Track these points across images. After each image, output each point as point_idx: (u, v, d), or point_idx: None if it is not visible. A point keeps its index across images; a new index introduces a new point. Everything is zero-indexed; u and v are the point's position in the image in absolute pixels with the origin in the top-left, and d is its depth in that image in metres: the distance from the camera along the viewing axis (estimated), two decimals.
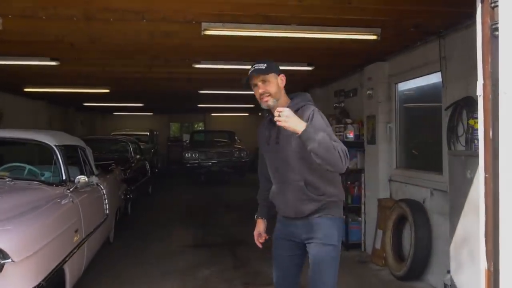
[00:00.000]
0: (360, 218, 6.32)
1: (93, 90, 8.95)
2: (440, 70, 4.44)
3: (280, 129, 2.55)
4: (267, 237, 2.99)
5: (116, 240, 6.80)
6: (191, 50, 5.45)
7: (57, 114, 13.36)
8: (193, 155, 14.24)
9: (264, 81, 2.60)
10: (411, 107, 5.53)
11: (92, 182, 5.34)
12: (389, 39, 4.64)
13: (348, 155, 2.38)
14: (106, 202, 5.75)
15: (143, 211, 9.74)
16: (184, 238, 7.20)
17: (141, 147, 15.19)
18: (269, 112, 2.72)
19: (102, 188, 5.73)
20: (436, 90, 4.70)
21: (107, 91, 8.97)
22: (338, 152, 2.30)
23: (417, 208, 4.82)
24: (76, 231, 4.01)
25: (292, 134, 2.41)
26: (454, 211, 3.67)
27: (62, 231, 3.61)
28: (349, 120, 6.30)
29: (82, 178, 4.43)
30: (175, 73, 7.17)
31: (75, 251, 3.89)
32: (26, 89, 8.78)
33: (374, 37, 4.33)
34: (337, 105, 7.73)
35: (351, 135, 6.19)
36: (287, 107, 2.47)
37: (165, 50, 5.42)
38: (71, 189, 4.32)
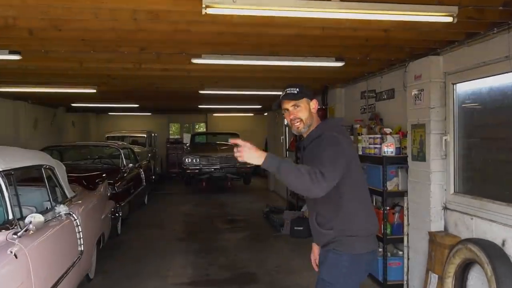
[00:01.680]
0: (401, 252, 5.05)
1: (76, 90, 7.68)
2: None
3: (303, 156, 2.69)
4: None
5: (98, 275, 5.55)
6: (189, 40, 4.18)
7: (44, 116, 12.11)
8: (194, 160, 12.98)
9: (295, 106, 2.58)
10: (477, 114, 4.25)
11: (59, 213, 4.09)
12: (463, 22, 3.35)
13: (324, 175, 2.25)
14: (81, 236, 4.49)
15: (135, 228, 8.49)
16: (182, 270, 5.93)
17: (138, 150, 14.08)
18: (301, 137, 2.73)
19: (76, 217, 4.48)
20: None
21: (94, 91, 7.70)
22: (308, 174, 2.22)
23: (496, 254, 3.54)
24: None
25: (314, 154, 2.46)
26: None
27: None
28: (388, 130, 5.01)
29: (37, 218, 3.17)
30: (171, 70, 5.90)
31: None
32: None
33: (448, 19, 3.06)
34: (364, 108, 6.44)
35: (391, 148, 4.91)
36: (309, 135, 2.60)
37: (154, 39, 4.14)
38: (19, 234, 3.07)
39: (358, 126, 6.12)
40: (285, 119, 2.65)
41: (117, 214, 7.44)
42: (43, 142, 10.38)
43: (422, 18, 3.08)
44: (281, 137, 12.46)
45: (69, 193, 4.85)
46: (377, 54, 4.91)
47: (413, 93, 4.72)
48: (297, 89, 2.58)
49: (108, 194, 7.25)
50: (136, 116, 17.74)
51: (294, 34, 3.98)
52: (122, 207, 7.89)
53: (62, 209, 4.12)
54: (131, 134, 15.69)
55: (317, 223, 2.59)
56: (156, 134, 17.09)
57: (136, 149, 14.03)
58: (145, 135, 15.30)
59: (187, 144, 15.23)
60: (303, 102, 2.57)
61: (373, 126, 5.66)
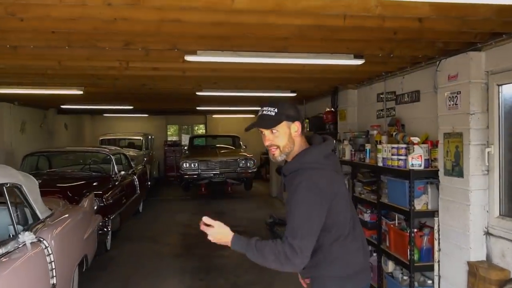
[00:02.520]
0: (430, 281, 4.33)
1: (61, 91, 6.95)
2: None
3: (285, 184, 2.33)
4: None
5: None
6: (180, 32, 3.46)
7: (32, 118, 11.38)
8: (192, 165, 12.26)
9: (273, 131, 2.15)
10: None
11: (23, 242, 3.37)
12: None
13: (295, 250, 1.98)
14: (53, 266, 3.77)
15: (127, 241, 7.78)
16: None
17: (134, 153, 13.35)
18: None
19: (47, 244, 3.76)
20: None
21: (80, 92, 6.97)
22: (275, 258, 2.01)
23: None
24: None
25: (288, 196, 2.17)
26: None
27: None
28: (416, 139, 4.28)
29: None
30: (163, 69, 5.19)
31: None
32: None
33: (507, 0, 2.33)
34: (382, 112, 5.72)
35: (418, 161, 4.18)
36: (286, 167, 2.23)
37: (138, 31, 3.42)
38: None
39: (375, 132, 5.40)
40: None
41: (105, 229, 6.74)
42: (31, 147, 9.69)
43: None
44: None
45: (42, 213, 4.14)
46: (402, 50, 4.18)
47: (446, 96, 4.00)
48: (276, 110, 2.14)
49: (95, 207, 6.55)
50: (132, 118, 17.01)
51: (308, 25, 3.27)
52: (112, 219, 7.20)
53: (27, 237, 3.40)
54: (126, 136, 14.99)
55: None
56: (153, 137, 16.37)
57: (132, 152, 13.38)
58: (141, 138, 14.57)
59: (185, 148, 14.52)
60: (282, 127, 2.14)
61: (394, 133, 4.94)
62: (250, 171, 12.43)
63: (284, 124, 2.15)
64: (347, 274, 2.21)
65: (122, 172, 8.50)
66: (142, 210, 10.67)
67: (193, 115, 17.52)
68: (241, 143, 14.53)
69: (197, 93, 7.29)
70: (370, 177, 5.35)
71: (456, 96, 3.87)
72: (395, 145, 4.47)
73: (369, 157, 5.20)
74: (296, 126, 2.17)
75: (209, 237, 2.18)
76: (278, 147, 2.17)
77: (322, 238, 2.12)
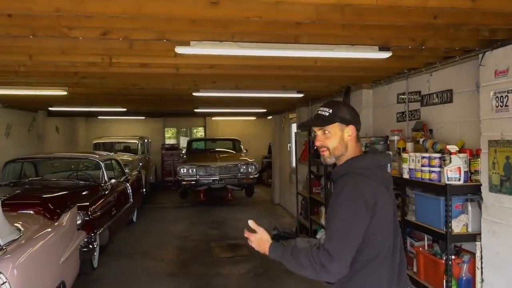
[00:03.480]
0: None
1: (41, 92, 6.26)
2: None
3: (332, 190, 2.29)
4: None
5: None
6: (168, 15, 2.75)
7: (20, 121, 10.67)
8: (190, 171, 11.56)
9: (324, 132, 2.10)
10: None
11: None
12: None
13: (333, 259, 1.87)
14: None
15: (117, 257, 7.07)
16: None
17: (129, 158, 12.68)
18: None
19: (6, 279, 3.06)
20: None
21: (64, 93, 6.28)
22: (311, 267, 1.93)
23: None
24: None
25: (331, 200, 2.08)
26: None
27: None
28: (453, 147, 3.56)
29: None
30: (152, 66, 4.50)
31: None
32: None
33: None
34: (403, 114, 5.02)
35: (456, 174, 3.47)
36: (335, 171, 2.14)
37: (115, 15, 2.72)
38: None
39: (396, 138, 4.70)
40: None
41: (91, 246, 6.03)
42: (18, 152, 8.98)
43: None
44: (288, 145, 11.05)
45: (3, 238, 3.44)
46: (438, 41, 3.50)
47: (492, 96, 3.30)
48: (330, 111, 2.10)
49: (80, 222, 5.85)
50: (128, 121, 16.30)
51: (329, 5, 2.58)
52: (100, 233, 6.50)
53: None
54: (121, 140, 14.29)
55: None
56: (149, 140, 15.68)
57: (126, 157, 12.71)
58: (137, 141, 13.86)
59: (183, 152, 13.85)
60: (334, 128, 2.10)
61: (422, 140, 4.24)
62: (251, 176, 11.72)
63: (336, 125, 2.09)
64: None
65: (113, 180, 7.79)
66: (137, 219, 9.96)
67: (191, 117, 16.81)
68: (241, 146, 13.83)
69: (194, 94, 6.59)
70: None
71: (507, 95, 3.17)
72: (426, 154, 3.77)
73: (390, 167, 4.49)
74: (350, 130, 2.09)
75: (251, 243, 2.24)
76: (328, 148, 2.12)
77: (357, 268, 1.98)
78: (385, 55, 3.54)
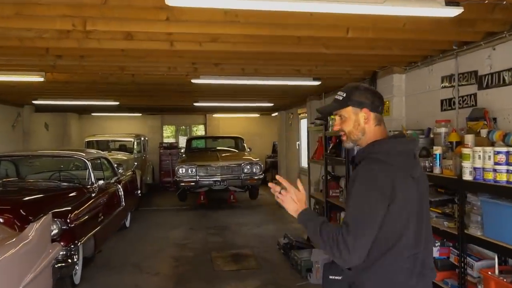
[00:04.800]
0: None
1: (16, 77, 5.33)
2: None
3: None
4: None
5: None
6: None
7: (2, 115, 9.75)
8: (189, 171, 10.61)
9: (341, 116, 2.09)
10: None
11: None
12: None
13: (348, 247, 1.80)
14: None
15: (104, 270, 6.13)
16: None
17: (124, 157, 11.75)
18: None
19: None
20: None
21: (41, 79, 5.35)
22: (329, 246, 1.85)
23: None
24: None
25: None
26: None
27: None
28: None
29: None
30: (140, 37, 3.55)
31: None
32: None
33: None
34: (450, 101, 4.08)
35: None
36: (356, 156, 2.09)
37: None
38: None
39: (444, 130, 3.76)
40: None
41: (70, 260, 5.08)
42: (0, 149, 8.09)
43: None
44: (297, 143, 10.11)
45: None
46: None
47: None
48: (344, 94, 2.05)
49: (56, 231, 4.92)
50: (124, 118, 15.38)
51: None
52: (83, 244, 5.57)
53: None
54: (115, 138, 13.36)
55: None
56: (146, 138, 14.74)
57: (121, 156, 11.79)
58: (133, 139, 12.91)
59: (182, 152, 12.93)
60: (347, 112, 2.05)
61: (484, 131, 3.29)
62: (256, 177, 10.77)
63: (350, 109, 2.05)
64: None
65: (101, 182, 6.83)
66: (130, 224, 9.03)
67: (191, 114, 15.91)
68: (245, 145, 12.88)
69: (194, 81, 5.64)
70: (440, 194, 3.71)
71: None
72: (503, 149, 2.81)
73: (440, 166, 3.55)
74: (364, 114, 2.02)
75: (278, 199, 2.10)
76: (345, 133, 2.08)
77: (373, 257, 1.90)
78: (454, 11, 2.58)
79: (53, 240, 4.72)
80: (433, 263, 2.09)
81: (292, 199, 2.07)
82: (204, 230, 8.73)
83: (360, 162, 2.01)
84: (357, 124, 2.04)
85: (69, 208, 5.43)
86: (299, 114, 9.91)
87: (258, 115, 15.82)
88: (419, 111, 4.67)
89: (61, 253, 4.93)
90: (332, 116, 2.10)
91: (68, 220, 5.12)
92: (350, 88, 2.08)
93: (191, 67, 5.04)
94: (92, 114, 14.83)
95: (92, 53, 4.22)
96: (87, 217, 5.72)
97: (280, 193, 2.07)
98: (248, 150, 12.62)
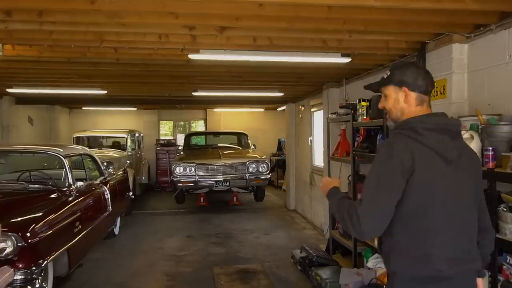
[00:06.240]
0: None
1: None
2: None
3: None
4: None
5: None
6: None
7: None
8: (188, 170, 9.45)
9: (384, 95, 2.09)
10: None
11: None
12: None
13: (360, 221, 1.80)
14: None
15: None
16: None
17: (116, 155, 10.56)
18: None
19: None
20: None
21: None
22: (349, 219, 1.84)
23: None
24: None
25: None
26: None
27: None
28: None
29: None
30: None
31: None
32: None
33: None
34: None
35: None
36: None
37: None
38: None
39: None
40: None
41: (30, 287, 3.91)
42: None
43: None
44: (309, 138, 8.94)
45: None
46: None
47: None
48: (389, 72, 2.05)
49: (10, 250, 3.77)
50: (118, 113, 14.17)
51: None
52: (54, 261, 4.42)
53: None
54: (107, 134, 12.21)
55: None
56: (142, 134, 13.59)
57: (112, 153, 10.64)
58: (126, 135, 11.74)
59: (180, 150, 11.76)
60: (389, 90, 2.05)
61: None
62: (263, 177, 9.60)
63: (391, 88, 2.04)
64: (422, 275, 1.85)
65: (80, 183, 5.68)
66: (120, 230, 7.88)
67: (190, 109, 14.74)
68: (249, 142, 11.72)
69: (191, 56, 4.46)
70: None
71: None
72: None
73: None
74: (402, 93, 2.00)
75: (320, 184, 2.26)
76: (388, 112, 2.08)
77: (392, 225, 1.88)
78: None
79: (4, 262, 3.58)
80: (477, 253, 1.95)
81: (331, 181, 2.18)
82: (204, 238, 7.56)
83: None
84: (396, 103, 2.02)
85: (33, 216, 4.29)
86: (312, 106, 8.74)
87: (263, 110, 14.65)
88: (491, 92, 3.50)
89: (19, 277, 3.79)
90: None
91: (28, 234, 3.96)
92: (398, 66, 2.06)
93: (188, 35, 3.86)
94: (83, 108, 13.66)
95: (51, 6, 3.05)
96: (57, 227, 4.56)
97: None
98: (253, 147, 11.45)
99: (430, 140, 1.87)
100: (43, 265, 4.08)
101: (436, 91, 3.96)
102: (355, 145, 5.24)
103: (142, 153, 13.24)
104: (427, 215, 1.85)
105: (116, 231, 7.73)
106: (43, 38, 3.99)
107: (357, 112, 5.07)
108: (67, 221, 4.86)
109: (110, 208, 6.72)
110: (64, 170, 5.58)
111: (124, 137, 11.71)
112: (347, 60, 4.65)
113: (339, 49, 4.44)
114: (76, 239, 4.99)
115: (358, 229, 1.81)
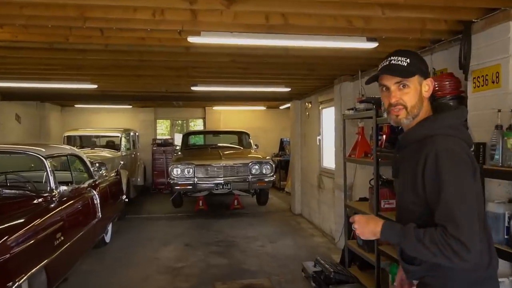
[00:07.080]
0: None
1: None
2: None
3: (401, 160, 1.90)
4: None
5: None
6: None
7: None
8: (186, 172, 8.77)
9: (401, 85, 1.78)
10: None
11: None
12: None
13: (465, 245, 1.56)
14: None
15: None
16: None
17: (109, 155, 9.88)
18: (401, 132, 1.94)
19: None
20: None
21: None
22: (439, 252, 1.58)
23: None
24: None
25: (408, 170, 1.76)
26: None
27: None
28: None
29: None
30: None
31: None
32: None
33: None
34: None
35: None
36: (407, 135, 1.83)
37: None
38: None
39: None
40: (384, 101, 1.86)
41: None
42: None
43: None
44: (317, 137, 8.27)
45: None
46: None
47: None
48: (408, 60, 1.75)
49: None
50: (113, 111, 13.51)
51: None
52: (31, 279, 3.73)
53: None
54: (100, 133, 11.52)
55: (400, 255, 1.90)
56: (137, 134, 12.90)
57: (105, 153, 9.95)
58: (120, 134, 11.05)
59: (177, 150, 11.08)
60: (413, 82, 1.76)
61: None
62: (267, 179, 8.93)
63: (416, 78, 1.77)
64: (475, 279, 1.73)
65: (63, 188, 4.99)
66: (112, 238, 7.19)
67: (188, 107, 14.06)
68: (251, 141, 11.04)
69: (190, 39, 3.77)
70: None
71: None
72: None
73: None
74: (428, 85, 1.80)
75: (357, 231, 1.83)
76: (405, 107, 1.78)
77: None
78: None
79: None
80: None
81: (370, 218, 1.82)
82: (203, 247, 6.88)
83: (414, 143, 1.77)
84: (420, 97, 1.79)
85: (4, 228, 3.61)
86: (320, 102, 8.07)
87: (264, 108, 13.97)
88: None
89: None
90: (383, 86, 1.72)
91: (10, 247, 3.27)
92: (412, 53, 1.81)
93: (187, 11, 3.19)
94: (76, 106, 12.96)
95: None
96: (33, 241, 3.87)
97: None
98: (255, 147, 10.78)
99: (466, 134, 1.79)
100: (14, 286, 3.39)
101: (486, 79, 3.30)
102: (379, 145, 4.57)
103: (138, 153, 12.57)
104: (482, 217, 1.77)
105: (107, 238, 7.04)
106: (13, 15, 3.31)
107: (382, 107, 4.41)
108: (45, 232, 4.16)
109: (99, 214, 6.04)
110: (46, 172, 4.90)
111: (118, 136, 11.02)
112: (373, 45, 3.99)
113: (365, 32, 3.78)
114: (56, 253, 4.30)
115: (466, 254, 1.57)
